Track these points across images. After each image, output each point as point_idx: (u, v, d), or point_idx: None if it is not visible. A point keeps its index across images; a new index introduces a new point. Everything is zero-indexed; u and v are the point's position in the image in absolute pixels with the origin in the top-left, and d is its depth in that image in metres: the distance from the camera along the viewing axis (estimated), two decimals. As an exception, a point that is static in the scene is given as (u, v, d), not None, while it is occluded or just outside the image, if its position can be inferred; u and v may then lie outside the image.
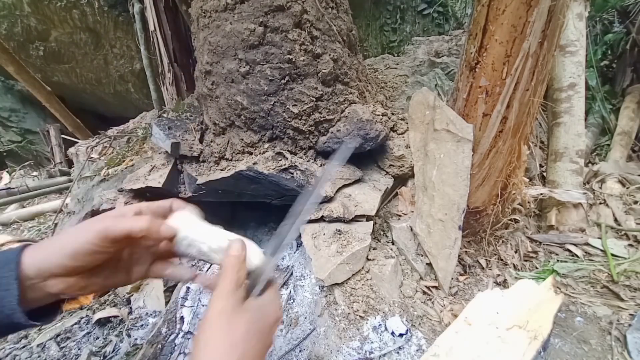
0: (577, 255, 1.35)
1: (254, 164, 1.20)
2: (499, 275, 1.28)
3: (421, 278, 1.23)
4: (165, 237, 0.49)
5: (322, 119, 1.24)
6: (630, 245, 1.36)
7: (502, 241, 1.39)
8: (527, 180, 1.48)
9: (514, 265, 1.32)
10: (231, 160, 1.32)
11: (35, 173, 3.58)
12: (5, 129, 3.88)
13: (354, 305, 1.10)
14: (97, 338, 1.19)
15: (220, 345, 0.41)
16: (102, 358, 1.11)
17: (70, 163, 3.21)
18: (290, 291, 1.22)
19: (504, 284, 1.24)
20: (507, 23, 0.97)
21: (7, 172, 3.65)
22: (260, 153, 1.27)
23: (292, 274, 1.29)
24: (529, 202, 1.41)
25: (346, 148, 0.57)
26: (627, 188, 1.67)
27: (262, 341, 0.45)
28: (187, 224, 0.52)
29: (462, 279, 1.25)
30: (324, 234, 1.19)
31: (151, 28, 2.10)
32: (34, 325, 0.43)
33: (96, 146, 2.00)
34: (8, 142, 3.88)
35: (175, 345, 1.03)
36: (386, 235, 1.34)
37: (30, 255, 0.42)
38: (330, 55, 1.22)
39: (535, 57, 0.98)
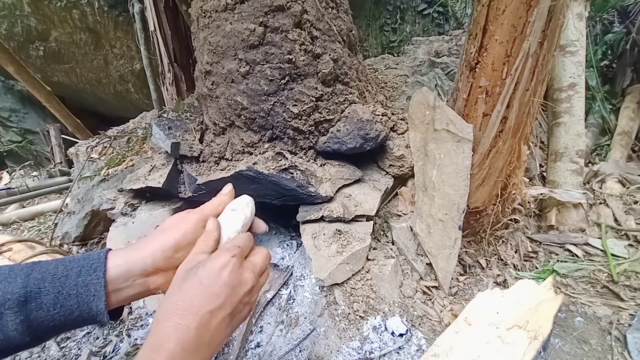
0: (577, 255, 1.35)
1: (254, 164, 1.20)
2: (499, 275, 1.28)
3: (421, 278, 1.23)
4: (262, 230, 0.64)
5: (322, 119, 1.24)
6: (630, 245, 1.36)
7: (502, 241, 1.39)
8: (527, 180, 1.48)
9: (514, 265, 1.32)
10: (231, 160, 1.32)
11: (35, 173, 3.58)
12: (5, 129, 3.88)
13: (354, 305, 1.10)
14: (97, 338, 1.19)
15: (171, 298, 0.44)
16: (102, 358, 1.11)
17: (70, 163, 3.21)
18: (290, 291, 1.22)
19: (504, 284, 1.24)
20: (507, 23, 0.97)
21: (7, 172, 3.65)
22: (260, 153, 1.27)
23: (292, 274, 1.29)
24: (529, 202, 1.41)
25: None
26: (627, 188, 1.67)
27: (211, 302, 0.44)
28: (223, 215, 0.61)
29: (462, 279, 1.25)
30: (324, 234, 1.19)
31: (151, 28, 2.10)
32: (110, 323, 0.49)
33: (96, 146, 2.00)
34: (8, 142, 3.88)
35: (175, 345, 1.03)
36: (386, 235, 1.34)
37: (115, 261, 0.48)
38: (330, 55, 1.22)
39: (535, 57, 0.98)
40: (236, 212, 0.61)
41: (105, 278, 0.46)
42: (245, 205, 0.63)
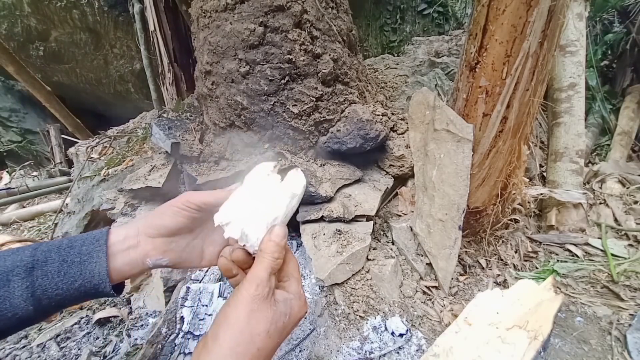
0: (577, 255, 1.35)
1: (254, 164, 1.20)
2: (499, 275, 1.28)
3: (421, 278, 1.23)
4: None
5: (322, 119, 1.24)
6: (630, 245, 1.36)
7: (502, 241, 1.39)
8: (527, 180, 1.48)
9: (514, 265, 1.32)
10: (231, 160, 1.32)
11: (35, 173, 3.58)
12: (5, 129, 3.88)
13: (354, 305, 1.10)
14: (97, 338, 1.19)
15: (240, 331, 0.40)
16: (102, 358, 1.11)
17: (70, 163, 3.21)
18: (290, 291, 1.22)
19: (504, 284, 1.24)
20: (507, 23, 0.97)
21: (7, 172, 3.65)
22: (260, 153, 1.27)
23: (292, 274, 1.29)
24: (529, 202, 1.41)
25: None
26: (627, 188, 1.67)
27: (282, 336, 0.44)
28: (233, 200, 0.47)
29: (462, 279, 1.24)
30: (324, 234, 1.19)
31: (151, 28, 2.10)
32: (113, 295, 0.48)
33: (96, 146, 2.00)
34: (8, 142, 3.88)
35: (175, 345, 1.03)
36: (386, 235, 1.34)
37: (116, 232, 0.49)
38: (330, 55, 1.22)
39: (535, 57, 0.98)
40: (286, 194, 0.47)
41: (107, 247, 0.47)
42: (298, 185, 0.48)
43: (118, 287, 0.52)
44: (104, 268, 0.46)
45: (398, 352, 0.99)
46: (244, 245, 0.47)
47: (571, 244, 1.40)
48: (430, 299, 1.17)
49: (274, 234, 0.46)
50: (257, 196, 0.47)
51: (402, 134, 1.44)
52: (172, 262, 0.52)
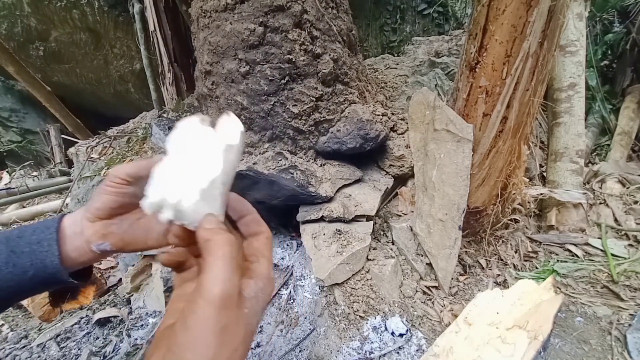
0: (577, 255, 1.35)
1: (254, 164, 1.20)
2: (499, 275, 1.28)
3: (421, 278, 1.23)
4: None
5: (322, 119, 1.24)
6: (630, 245, 1.36)
7: (502, 241, 1.39)
8: (527, 180, 1.47)
9: (514, 265, 1.32)
10: (231, 160, 1.32)
11: (35, 173, 3.58)
12: (5, 129, 3.88)
13: (354, 305, 1.10)
14: (97, 338, 1.19)
15: (215, 349, 0.31)
16: (102, 358, 1.11)
17: (70, 163, 3.21)
18: (290, 291, 1.22)
19: (504, 284, 1.24)
20: (507, 23, 0.97)
21: (7, 172, 3.65)
22: (260, 153, 1.27)
23: (292, 274, 1.29)
24: (529, 202, 1.41)
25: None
26: (627, 188, 1.66)
27: (248, 342, 0.36)
28: (158, 175, 0.37)
29: (462, 279, 1.25)
30: (324, 234, 1.19)
31: (151, 28, 2.11)
32: (74, 283, 0.46)
33: (96, 146, 2.00)
34: (8, 142, 3.88)
35: (175, 345, 1.03)
36: (386, 235, 1.34)
37: (68, 219, 0.47)
38: (330, 55, 1.22)
39: (535, 57, 0.98)
40: (219, 147, 0.37)
41: (59, 234, 0.45)
42: (233, 133, 0.38)
43: (83, 274, 0.50)
44: (55, 256, 0.43)
45: (398, 352, 0.99)
46: (182, 224, 0.37)
47: (571, 244, 1.40)
48: (430, 299, 1.17)
49: (205, 221, 0.36)
50: (185, 160, 0.37)
51: (402, 134, 1.44)
52: (117, 247, 0.48)
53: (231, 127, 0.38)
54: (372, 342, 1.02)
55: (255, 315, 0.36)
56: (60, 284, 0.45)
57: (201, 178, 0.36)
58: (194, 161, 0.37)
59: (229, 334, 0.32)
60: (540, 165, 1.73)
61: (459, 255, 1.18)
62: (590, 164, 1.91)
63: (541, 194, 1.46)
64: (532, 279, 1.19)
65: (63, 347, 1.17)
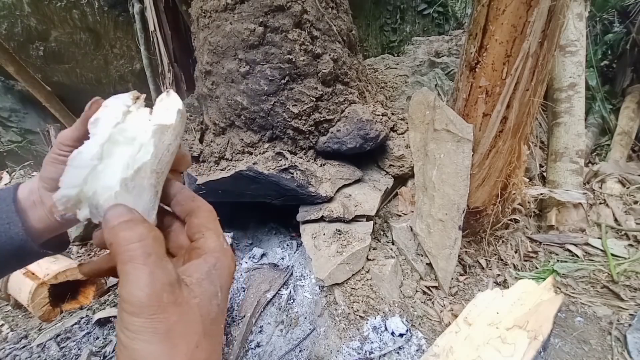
0: (577, 255, 1.35)
1: (254, 164, 1.20)
2: (499, 275, 1.28)
3: (421, 278, 1.23)
4: None
5: (322, 119, 1.24)
6: (630, 245, 1.36)
7: (502, 241, 1.39)
8: (527, 180, 1.48)
9: (514, 265, 1.32)
10: (231, 160, 1.32)
11: (35, 173, 3.58)
12: (5, 129, 3.88)
13: (354, 305, 1.10)
14: (97, 338, 1.19)
15: (165, 357, 0.27)
16: (102, 358, 1.11)
17: (70, 163, 3.20)
18: (290, 291, 1.22)
19: (504, 284, 1.24)
20: (507, 23, 0.97)
21: (7, 172, 3.65)
22: (260, 153, 1.27)
23: (292, 274, 1.29)
24: (529, 202, 1.41)
25: None
26: (627, 188, 1.67)
27: (221, 322, 0.32)
28: (75, 162, 0.31)
29: (462, 279, 1.25)
30: (324, 234, 1.19)
31: (151, 28, 2.11)
32: (46, 253, 0.44)
33: (96, 146, 2.00)
34: (8, 142, 3.88)
35: (175, 345, 1.03)
36: (386, 235, 1.34)
37: (22, 188, 0.44)
38: (330, 55, 1.22)
39: (535, 57, 0.98)
40: (151, 129, 0.31)
41: (17, 205, 0.43)
42: (169, 112, 0.33)
43: (59, 245, 0.47)
44: (19, 227, 0.41)
45: (398, 352, 0.99)
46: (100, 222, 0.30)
47: (571, 244, 1.40)
48: (430, 299, 1.17)
49: (109, 213, 0.29)
50: (108, 144, 0.31)
51: (402, 134, 1.44)
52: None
53: (168, 105, 0.33)
54: (372, 342, 1.02)
55: (213, 297, 0.31)
56: (34, 255, 0.43)
57: (125, 165, 0.29)
58: (119, 145, 0.31)
59: (177, 335, 0.27)
60: (540, 165, 1.73)
61: (459, 255, 1.18)
62: (590, 164, 1.91)
63: (541, 194, 1.46)
64: (532, 279, 1.19)
65: (63, 347, 1.17)
